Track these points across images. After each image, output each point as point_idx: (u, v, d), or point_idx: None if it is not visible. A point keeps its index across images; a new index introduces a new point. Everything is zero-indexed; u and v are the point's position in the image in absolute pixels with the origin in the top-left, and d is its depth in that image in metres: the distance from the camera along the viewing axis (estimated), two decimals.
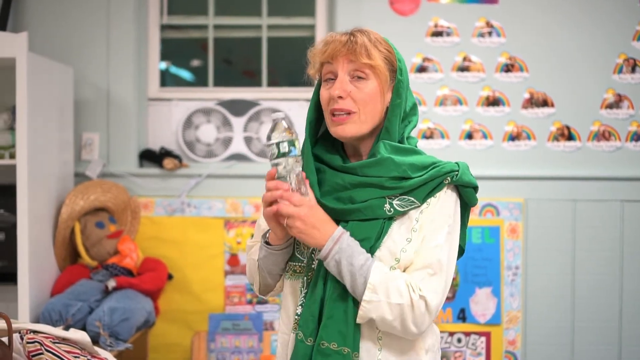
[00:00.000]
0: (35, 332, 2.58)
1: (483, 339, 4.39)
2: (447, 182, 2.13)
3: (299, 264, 2.20)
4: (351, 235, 2.09)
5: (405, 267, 2.09)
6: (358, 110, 2.13)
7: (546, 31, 4.43)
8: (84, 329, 3.69)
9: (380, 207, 2.10)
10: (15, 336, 2.54)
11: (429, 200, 2.13)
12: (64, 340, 2.67)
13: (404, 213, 2.12)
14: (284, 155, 2.03)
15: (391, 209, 2.10)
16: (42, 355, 2.52)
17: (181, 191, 4.49)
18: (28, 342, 2.53)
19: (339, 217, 2.12)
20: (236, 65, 5.11)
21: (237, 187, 4.48)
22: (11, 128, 3.97)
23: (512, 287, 4.39)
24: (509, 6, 4.43)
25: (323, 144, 2.25)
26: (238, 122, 4.57)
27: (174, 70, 5.02)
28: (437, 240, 2.09)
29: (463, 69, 4.44)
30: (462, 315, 4.39)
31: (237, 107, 4.59)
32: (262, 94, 4.66)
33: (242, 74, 5.10)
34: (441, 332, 4.33)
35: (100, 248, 4.15)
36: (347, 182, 2.13)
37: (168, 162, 4.47)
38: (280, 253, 2.18)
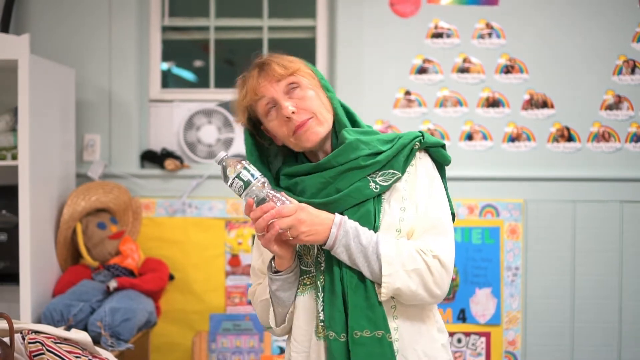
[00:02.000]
0: (36, 332, 2.60)
1: (483, 339, 4.40)
2: (416, 147, 2.21)
3: (307, 275, 2.22)
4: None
5: (410, 233, 2.15)
6: (314, 114, 2.19)
7: (546, 33, 4.44)
8: (85, 329, 3.70)
9: (366, 187, 2.15)
10: (17, 336, 2.56)
11: (408, 170, 2.20)
12: (66, 341, 2.68)
13: (389, 187, 2.17)
14: (249, 183, 2.05)
15: (377, 186, 2.16)
16: (43, 356, 2.54)
17: (182, 192, 4.50)
18: (29, 342, 2.54)
19: (333, 210, 2.15)
20: (238, 66, 5.12)
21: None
22: (13, 129, 3.98)
23: (512, 288, 4.40)
24: (509, 8, 4.44)
25: (288, 163, 2.30)
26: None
27: (176, 71, 5.04)
28: (429, 203, 2.17)
29: (463, 70, 4.45)
30: (462, 316, 4.40)
31: None
32: None
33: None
34: None
35: (101, 248, 4.16)
36: (327, 177, 2.17)
37: (169, 163, 4.48)
38: (293, 275, 2.19)
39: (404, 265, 2.06)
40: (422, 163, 2.22)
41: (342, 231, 2.08)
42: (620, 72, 4.43)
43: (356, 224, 2.11)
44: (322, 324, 2.16)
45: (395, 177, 2.17)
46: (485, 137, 4.44)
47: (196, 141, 4.60)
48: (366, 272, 2.09)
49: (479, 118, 4.45)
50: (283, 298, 2.23)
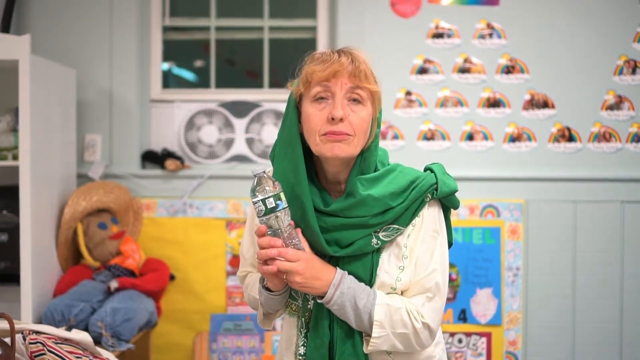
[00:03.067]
0: (37, 332, 2.60)
1: (484, 339, 4.40)
2: (428, 199, 2.12)
3: (295, 302, 2.20)
4: (350, 273, 2.10)
5: (403, 291, 2.11)
6: (354, 134, 2.07)
7: (547, 33, 4.44)
8: (86, 329, 3.71)
9: (368, 245, 2.09)
10: (18, 336, 2.56)
11: (413, 222, 2.12)
12: (67, 341, 2.68)
13: (391, 241, 2.12)
14: (272, 211, 1.99)
15: (378, 242, 2.09)
16: (44, 356, 2.54)
17: (183, 192, 4.50)
18: (30, 343, 2.54)
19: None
20: (239, 66, 5.12)
21: (238, 188, 4.49)
22: (14, 130, 3.98)
23: (512, 288, 4.40)
24: (510, 8, 4.44)
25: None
26: (240, 124, 4.58)
27: (176, 71, 5.04)
28: (431, 264, 2.10)
29: (464, 70, 4.45)
30: (463, 316, 4.40)
31: (239, 109, 4.60)
32: (264, 96, 4.67)
33: (245, 75, 5.11)
34: (442, 332, 4.34)
35: (102, 249, 4.17)
36: (330, 225, 2.10)
37: (170, 164, 4.49)
38: (283, 297, 2.18)
39: (393, 329, 2.06)
40: (430, 214, 2.13)
41: (338, 292, 2.05)
42: (621, 72, 4.43)
43: (355, 282, 2.07)
44: (300, 357, 2.16)
45: (398, 232, 2.11)
46: (486, 138, 4.44)
47: (197, 141, 4.60)
48: (353, 325, 2.08)
49: (480, 118, 4.45)
50: (271, 310, 2.23)
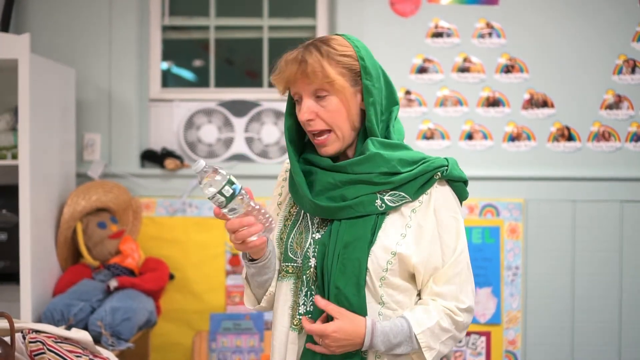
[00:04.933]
0: (37, 331, 2.60)
1: (483, 338, 4.40)
2: (437, 177, 2.15)
3: (292, 264, 2.22)
4: (345, 233, 2.11)
5: (405, 260, 2.10)
6: (332, 128, 2.14)
7: (546, 32, 4.44)
8: (85, 328, 3.71)
9: (371, 203, 2.11)
10: (18, 335, 2.56)
11: (421, 198, 2.15)
12: (66, 340, 2.68)
13: (396, 208, 2.13)
14: (232, 197, 1.98)
15: (383, 205, 2.12)
16: (44, 355, 2.54)
17: (182, 191, 4.50)
18: (30, 342, 2.55)
19: (332, 216, 2.15)
20: (238, 65, 5.13)
21: None
22: (13, 129, 3.99)
23: (512, 287, 4.41)
24: (509, 7, 4.45)
25: (311, 147, 2.25)
26: (239, 123, 4.58)
27: (175, 70, 5.04)
28: (459, 246, 2.16)
29: (463, 69, 4.46)
30: None
31: (238, 108, 4.60)
32: (263, 95, 4.67)
33: (245, 74, 5.11)
34: None
35: (102, 248, 4.17)
36: (337, 180, 2.14)
37: (169, 163, 4.49)
38: (268, 260, 2.19)
39: (439, 339, 2.11)
40: (441, 196, 2.17)
41: (369, 343, 2.07)
42: (620, 72, 4.43)
43: (386, 327, 2.08)
44: (300, 316, 2.17)
45: (403, 201, 2.13)
46: (485, 137, 4.44)
47: (196, 140, 4.60)
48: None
49: (479, 117, 4.45)
50: (260, 281, 2.25)
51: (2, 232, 4.00)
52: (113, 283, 3.97)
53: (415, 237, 2.12)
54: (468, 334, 4.39)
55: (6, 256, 3.98)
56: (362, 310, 2.09)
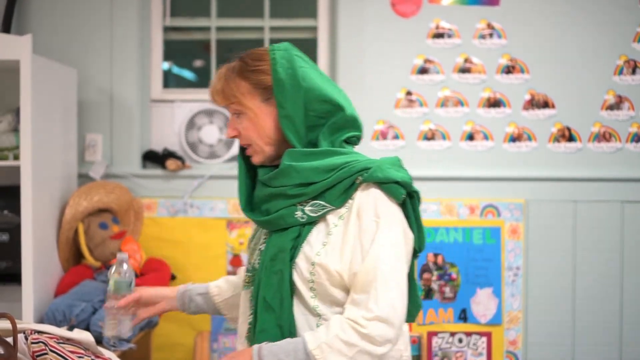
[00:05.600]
0: (39, 332, 2.60)
1: (484, 339, 4.40)
2: (358, 181, 2.09)
3: (249, 273, 2.27)
4: (272, 245, 2.14)
5: (326, 269, 2.06)
6: (252, 142, 2.18)
7: (547, 33, 4.45)
8: (87, 329, 3.71)
9: (290, 216, 2.11)
10: (20, 336, 2.56)
11: (347, 204, 2.10)
12: (69, 341, 2.68)
13: (321, 217, 2.11)
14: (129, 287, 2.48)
15: (304, 216, 2.11)
16: (46, 355, 2.54)
17: (184, 192, 4.51)
18: (32, 343, 2.55)
19: (266, 229, 2.21)
20: None
21: None
22: (15, 129, 3.99)
23: (513, 288, 4.41)
24: (510, 8, 4.45)
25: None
26: None
27: (176, 70, 5.04)
28: (372, 250, 2.04)
29: (464, 70, 4.46)
30: (464, 316, 4.40)
31: None
32: None
33: None
34: (442, 332, 4.35)
35: (103, 249, 4.17)
36: (264, 194, 2.18)
37: (171, 163, 4.49)
38: (192, 309, 2.65)
39: (343, 354, 1.97)
40: (365, 200, 2.08)
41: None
42: (621, 72, 4.43)
43: (270, 347, 2.02)
44: (250, 325, 2.21)
45: (325, 210, 2.10)
46: (486, 137, 4.45)
47: (198, 141, 4.61)
48: None
49: (480, 118, 4.46)
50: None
51: (3, 233, 4.00)
52: None
53: (338, 245, 2.08)
54: (469, 334, 4.39)
55: (8, 257, 3.99)
56: (289, 322, 2.09)
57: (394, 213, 2.10)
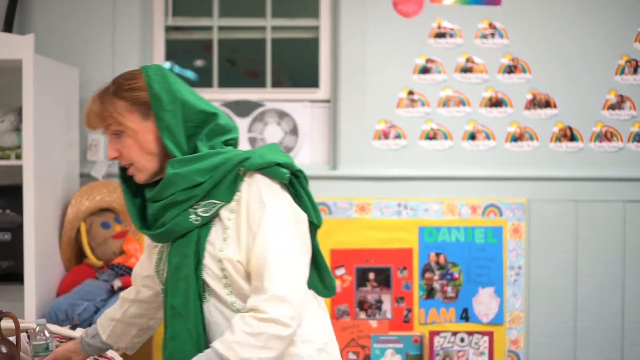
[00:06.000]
0: None
1: (486, 338, 4.40)
2: (241, 172, 2.14)
3: (163, 289, 2.29)
4: (174, 255, 2.17)
5: (233, 263, 2.12)
6: (134, 161, 2.19)
7: (549, 33, 4.45)
8: None
9: (185, 220, 2.15)
10: (23, 335, 2.57)
11: (235, 197, 2.15)
12: (71, 340, 2.69)
13: (215, 215, 2.15)
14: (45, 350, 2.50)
15: (198, 217, 2.15)
16: None
17: None
18: None
19: (164, 241, 2.23)
20: (240, 65, 5.13)
21: None
22: (17, 129, 3.99)
23: (514, 287, 4.41)
24: (512, 8, 4.45)
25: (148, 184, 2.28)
26: (242, 123, 4.59)
27: (178, 70, 5.04)
28: (261, 232, 2.08)
29: (466, 70, 4.46)
30: (465, 315, 4.40)
31: (242, 108, 4.61)
32: (267, 95, 4.67)
33: (245, 74, 5.12)
34: (444, 331, 4.35)
35: (105, 248, 4.17)
36: (155, 209, 2.18)
37: None
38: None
39: (254, 345, 2.00)
40: (252, 187, 2.14)
41: None
42: (622, 72, 4.43)
43: None
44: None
45: (217, 207, 2.14)
46: (488, 137, 4.45)
47: None
48: None
49: (482, 118, 4.46)
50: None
51: (6, 232, 4.00)
52: (117, 283, 3.97)
53: (235, 236, 2.13)
54: (471, 333, 4.39)
55: (10, 256, 3.99)
56: (197, 326, 2.14)
57: (279, 195, 2.16)
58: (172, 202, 2.14)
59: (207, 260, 2.13)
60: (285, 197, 2.18)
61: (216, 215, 2.15)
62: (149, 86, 2.17)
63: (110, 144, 2.20)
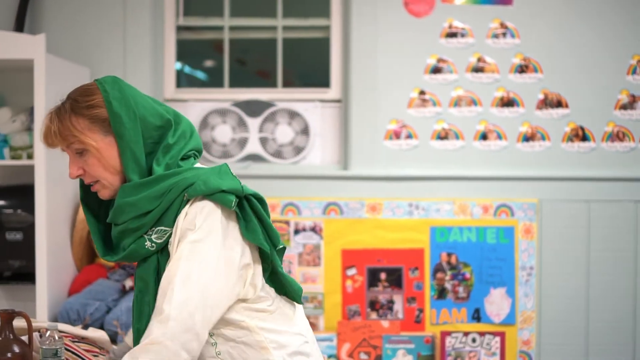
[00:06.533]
0: None
1: (497, 339, 4.39)
2: (185, 198, 2.09)
3: None
4: (138, 280, 2.15)
5: None
6: (99, 178, 2.14)
7: (560, 32, 4.44)
8: (102, 328, 3.72)
9: (142, 247, 2.11)
10: (35, 335, 2.57)
11: (177, 222, 2.09)
12: (83, 340, 2.69)
13: (166, 243, 2.12)
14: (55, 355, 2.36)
15: (152, 244, 2.12)
16: None
17: None
18: None
19: (128, 262, 2.21)
20: (250, 65, 5.13)
21: (252, 187, 4.45)
22: (29, 129, 4.00)
23: (526, 287, 4.40)
24: (523, 7, 4.44)
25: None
26: (253, 123, 4.59)
27: (188, 70, 5.04)
28: (173, 259, 2.06)
29: (477, 69, 4.45)
30: (477, 315, 4.39)
31: (253, 108, 4.61)
32: (278, 95, 4.67)
33: (255, 74, 5.12)
34: (456, 332, 4.34)
35: None
36: (115, 232, 2.16)
37: None
38: None
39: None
40: (190, 212, 2.07)
41: None
42: (634, 72, 4.42)
43: None
44: None
45: (167, 233, 2.11)
46: (499, 137, 4.44)
47: (211, 141, 4.61)
48: None
49: (494, 117, 4.45)
50: None
51: (18, 232, 4.01)
52: (128, 283, 3.98)
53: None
54: (482, 334, 4.38)
55: (22, 256, 3.99)
56: None
57: (212, 221, 2.08)
58: (125, 229, 2.12)
59: (161, 289, 2.06)
60: (216, 224, 2.09)
61: (168, 242, 2.12)
62: (107, 103, 2.11)
63: (73, 162, 2.14)
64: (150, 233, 2.12)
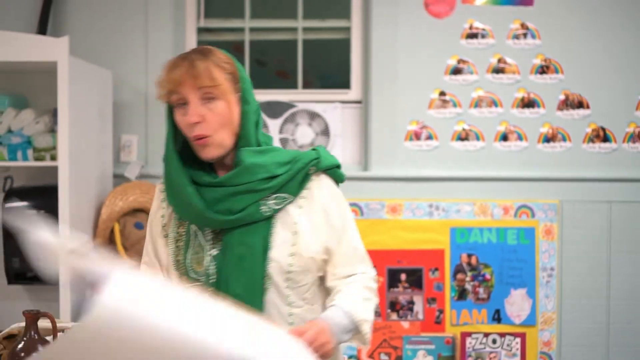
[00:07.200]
0: None
1: (518, 340, 4.39)
2: (312, 171, 2.25)
3: (195, 283, 2.22)
4: (237, 246, 2.16)
5: (305, 256, 2.20)
6: (213, 132, 2.16)
7: (581, 33, 4.43)
8: None
9: (257, 211, 2.16)
10: (60, 335, 2.59)
11: (303, 194, 2.24)
12: None
13: (282, 210, 2.20)
14: None
15: (268, 209, 2.18)
16: None
17: None
18: None
19: (222, 227, 2.19)
20: (270, 66, 5.14)
21: None
22: (52, 130, 4.03)
23: (547, 289, 4.39)
24: (544, 8, 4.43)
25: (190, 163, 2.25)
26: (274, 124, 4.60)
27: None
28: (345, 225, 2.30)
29: (498, 70, 4.45)
30: (497, 316, 4.39)
31: (273, 109, 4.62)
32: (298, 96, 4.68)
33: (275, 75, 5.13)
34: (476, 333, 4.35)
35: (139, 248, 4.19)
36: (221, 194, 2.17)
37: None
38: None
39: (369, 310, 2.24)
40: (322, 186, 2.28)
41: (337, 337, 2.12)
42: None
43: (334, 319, 2.13)
44: None
45: (287, 201, 2.20)
46: (520, 138, 4.44)
47: None
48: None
49: (514, 118, 4.45)
50: None
51: None
52: None
53: (308, 232, 2.21)
54: (503, 335, 4.38)
55: None
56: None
57: (341, 193, 2.34)
58: (246, 190, 2.16)
59: (275, 254, 2.16)
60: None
61: (283, 209, 2.21)
62: (240, 70, 2.25)
63: (194, 108, 2.14)
64: (268, 198, 2.18)
